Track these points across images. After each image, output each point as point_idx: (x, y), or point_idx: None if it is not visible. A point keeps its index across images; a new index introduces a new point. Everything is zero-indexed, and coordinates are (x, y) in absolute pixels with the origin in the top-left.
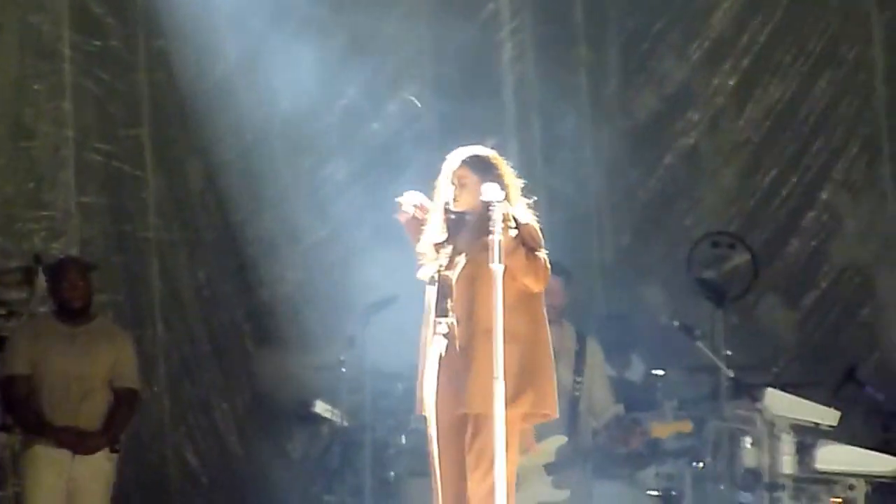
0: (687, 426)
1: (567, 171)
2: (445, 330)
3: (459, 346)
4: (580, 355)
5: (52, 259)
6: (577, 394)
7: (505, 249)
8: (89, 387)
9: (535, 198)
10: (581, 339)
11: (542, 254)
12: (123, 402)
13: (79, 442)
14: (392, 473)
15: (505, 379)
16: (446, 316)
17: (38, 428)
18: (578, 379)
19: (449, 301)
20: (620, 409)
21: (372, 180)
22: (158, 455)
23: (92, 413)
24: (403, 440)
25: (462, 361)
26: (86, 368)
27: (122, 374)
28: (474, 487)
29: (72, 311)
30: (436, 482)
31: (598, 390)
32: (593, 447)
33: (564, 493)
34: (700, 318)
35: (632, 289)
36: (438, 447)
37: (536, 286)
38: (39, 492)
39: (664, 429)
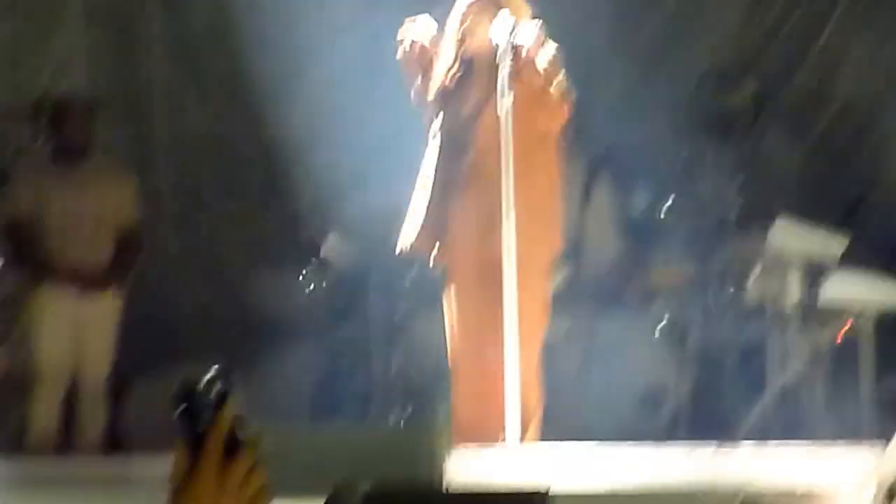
0: (680, 274)
1: (574, 4)
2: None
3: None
4: (588, 187)
5: (57, 97)
6: (582, 226)
7: (533, 95)
8: (93, 225)
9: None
10: (591, 172)
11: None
12: (130, 239)
13: (87, 281)
14: (400, 308)
15: (530, 222)
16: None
17: (44, 267)
18: (585, 212)
19: (472, 146)
20: (621, 248)
21: (375, 21)
22: (168, 294)
23: (98, 252)
24: (412, 275)
25: (492, 203)
26: (88, 208)
27: (125, 211)
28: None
29: (74, 151)
30: (455, 317)
31: (602, 225)
32: (596, 281)
33: (566, 324)
34: (706, 152)
35: (638, 123)
36: (463, 286)
37: (559, 123)
38: (45, 332)
39: (662, 275)
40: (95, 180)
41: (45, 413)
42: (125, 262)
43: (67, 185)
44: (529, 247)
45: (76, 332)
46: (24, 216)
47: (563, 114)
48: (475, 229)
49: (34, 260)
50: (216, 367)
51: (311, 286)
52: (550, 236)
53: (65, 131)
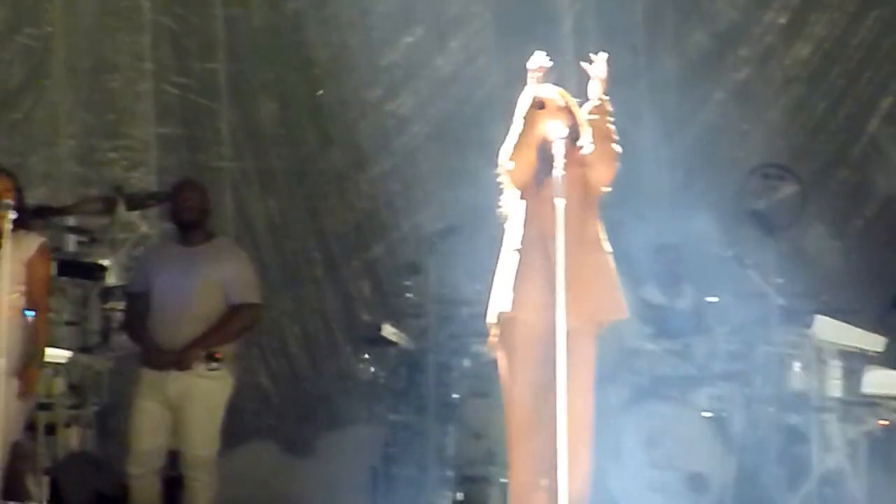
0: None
1: (622, 106)
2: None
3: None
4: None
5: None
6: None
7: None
8: (199, 304)
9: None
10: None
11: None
12: (233, 316)
13: (168, 359)
14: (455, 395)
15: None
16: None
17: (143, 346)
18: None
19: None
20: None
21: (434, 114)
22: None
23: (196, 331)
24: (466, 363)
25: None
26: (196, 286)
27: (236, 290)
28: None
29: (187, 228)
30: (513, 396)
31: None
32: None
33: (613, 409)
34: (751, 248)
35: (685, 219)
36: (529, 356)
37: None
38: (137, 415)
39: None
40: (207, 259)
41: (141, 492)
42: (217, 335)
43: (178, 263)
44: (582, 318)
45: (172, 414)
46: (136, 294)
47: (614, 168)
48: (537, 303)
49: (139, 337)
50: None
51: (371, 370)
52: (606, 304)
53: (176, 208)
